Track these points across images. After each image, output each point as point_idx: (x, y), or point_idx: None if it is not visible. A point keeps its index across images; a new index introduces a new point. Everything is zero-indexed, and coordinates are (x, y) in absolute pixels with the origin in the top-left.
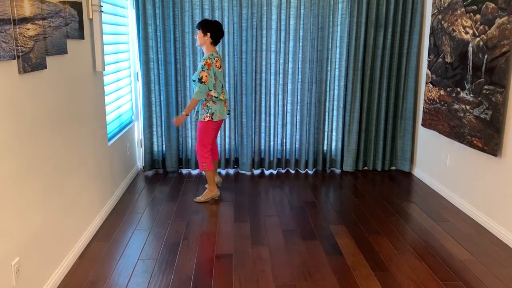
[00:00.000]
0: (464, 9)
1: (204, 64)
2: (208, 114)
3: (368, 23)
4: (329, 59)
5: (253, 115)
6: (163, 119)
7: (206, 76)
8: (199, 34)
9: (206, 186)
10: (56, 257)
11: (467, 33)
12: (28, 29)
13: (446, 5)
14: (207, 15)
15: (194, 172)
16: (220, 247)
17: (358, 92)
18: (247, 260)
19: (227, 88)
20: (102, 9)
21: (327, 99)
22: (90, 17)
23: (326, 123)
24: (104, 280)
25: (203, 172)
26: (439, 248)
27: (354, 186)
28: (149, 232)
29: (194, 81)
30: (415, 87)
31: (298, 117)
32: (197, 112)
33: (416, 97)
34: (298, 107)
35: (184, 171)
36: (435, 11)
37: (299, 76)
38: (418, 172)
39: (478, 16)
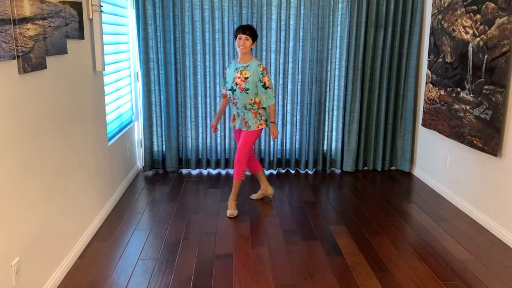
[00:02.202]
0: (464, 9)
1: (263, 70)
2: (262, 121)
3: (368, 23)
4: (329, 59)
5: None
6: (163, 119)
7: (268, 80)
8: (249, 41)
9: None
10: (56, 257)
11: (467, 33)
12: (28, 29)
13: (446, 5)
14: (207, 15)
15: (194, 172)
16: (220, 247)
17: (358, 92)
18: (247, 260)
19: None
20: (102, 9)
21: (327, 99)
22: (90, 17)
23: (326, 123)
24: (104, 280)
25: (238, 179)
26: (439, 248)
27: (354, 186)
28: (149, 232)
29: (234, 90)
30: (415, 87)
31: (298, 117)
32: (246, 122)
33: (416, 97)
34: (298, 107)
35: (184, 171)
36: (435, 11)
37: (299, 76)
38: (418, 172)
39: (478, 16)
